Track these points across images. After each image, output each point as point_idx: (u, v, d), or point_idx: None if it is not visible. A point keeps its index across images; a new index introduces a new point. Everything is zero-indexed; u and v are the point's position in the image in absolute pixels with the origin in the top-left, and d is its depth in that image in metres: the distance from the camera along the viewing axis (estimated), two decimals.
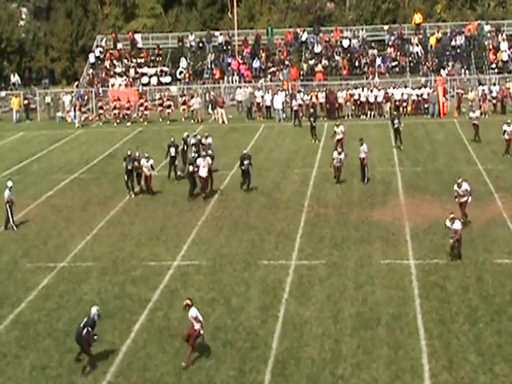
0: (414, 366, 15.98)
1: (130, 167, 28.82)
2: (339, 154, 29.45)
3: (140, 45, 55.55)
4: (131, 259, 22.76)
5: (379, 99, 43.51)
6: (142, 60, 53.98)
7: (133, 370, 16.28)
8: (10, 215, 25.89)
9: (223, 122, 44.03)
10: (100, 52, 54.81)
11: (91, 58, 54.57)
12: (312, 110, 40.07)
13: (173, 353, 16.94)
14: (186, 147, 32.07)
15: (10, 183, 26.60)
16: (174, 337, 17.62)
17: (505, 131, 33.02)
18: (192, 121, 44.57)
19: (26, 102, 49.38)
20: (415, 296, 19.32)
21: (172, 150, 30.87)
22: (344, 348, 16.80)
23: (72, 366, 16.53)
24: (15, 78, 55.47)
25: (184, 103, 45.80)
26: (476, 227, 24.05)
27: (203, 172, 27.99)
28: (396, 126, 35.19)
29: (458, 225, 21.19)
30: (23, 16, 71.82)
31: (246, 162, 28.72)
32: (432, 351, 16.48)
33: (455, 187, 23.95)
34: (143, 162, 28.97)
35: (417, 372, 15.75)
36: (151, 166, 29.04)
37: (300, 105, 43.94)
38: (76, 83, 54.66)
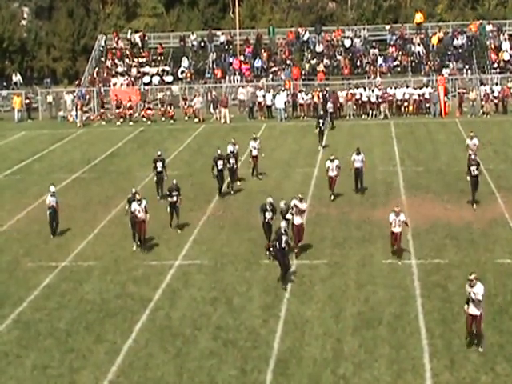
0: (415, 365, 15.96)
1: (132, 209, 23.39)
2: (397, 215, 21.38)
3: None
4: (133, 259, 22.75)
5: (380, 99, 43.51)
6: (144, 59, 54.01)
7: (134, 370, 16.27)
8: (50, 221, 24.91)
9: (225, 121, 44.00)
10: (100, 50, 54.90)
11: (101, 41, 54.82)
12: (321, 113, 39.71)
13: (174, 352, 16.93)
14: (233, 159, 29.23)
15: (52, 188, 25.01)
16: (175, 336, 17.63)
17: (467, 145, 29.98)
18: (196, 119, 44.64)
19: (27, 101, 49.30)
20: (417, 296, 19.30)
21: (159, 164, 28.40)
22: (345, 347, 16.78)
23: (73, 366, 16.53)
24: (17, 78, 55.41)
25: (185, 101, 45.84)
26: (477, 227, 24.03)
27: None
28: (475, 173, 25.88)
29: None
30: (25, 15, 71.88)
31: (268, 216, 22.35)
32: (433, 351, 16.46)
33: (467, 287, 16.31)
34: (134, 206, 23.14)
35: (418, 372, 15.73)
36: (145, 208, 23.19)
37: (301, 104, 44.02)
38: (77, 82, 54.70)
